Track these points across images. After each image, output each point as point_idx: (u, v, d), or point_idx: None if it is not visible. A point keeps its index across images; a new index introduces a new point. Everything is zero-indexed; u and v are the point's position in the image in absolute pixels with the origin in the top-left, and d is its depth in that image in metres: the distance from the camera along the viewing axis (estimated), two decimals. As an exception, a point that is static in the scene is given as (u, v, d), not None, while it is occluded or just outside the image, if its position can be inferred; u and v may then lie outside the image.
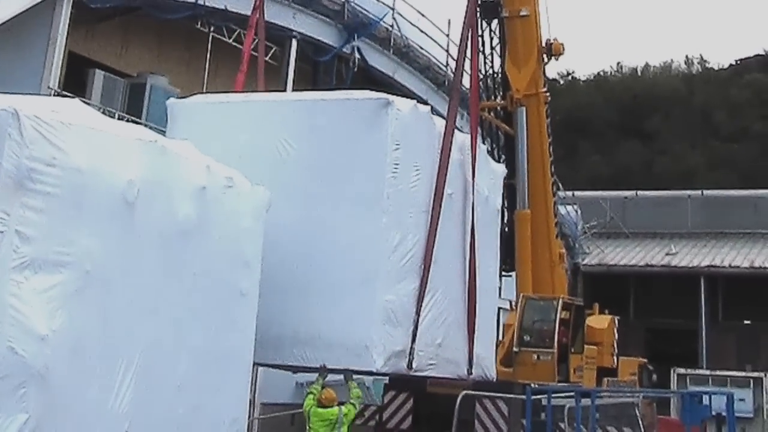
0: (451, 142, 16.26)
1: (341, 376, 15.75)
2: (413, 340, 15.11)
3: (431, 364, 15.66)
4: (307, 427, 15.52)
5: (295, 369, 16.69)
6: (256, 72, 20.61)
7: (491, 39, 28.35)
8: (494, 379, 17.99)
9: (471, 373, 16.91)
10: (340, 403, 15.56)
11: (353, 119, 15.55)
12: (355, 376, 15.82)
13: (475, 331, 16.78)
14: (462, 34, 18.00)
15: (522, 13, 25.61)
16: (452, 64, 35.80)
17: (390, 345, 14.84)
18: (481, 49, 30.94)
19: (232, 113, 16.66)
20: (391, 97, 15.72)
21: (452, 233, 16.32)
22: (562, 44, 26.38)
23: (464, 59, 17.94)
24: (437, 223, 15.72)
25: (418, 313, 15.29)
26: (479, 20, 30.20)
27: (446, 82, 35.16)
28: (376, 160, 15.24)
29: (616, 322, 27.42)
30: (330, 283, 15.04)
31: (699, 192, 52.98)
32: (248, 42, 19.25)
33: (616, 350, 26.75)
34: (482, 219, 17.30)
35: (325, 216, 15.32)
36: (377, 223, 15.04)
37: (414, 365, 15.18)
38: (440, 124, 16.52)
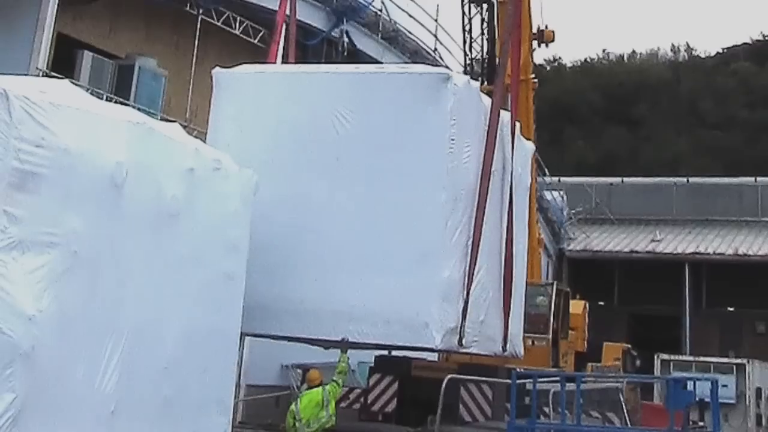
0: (498, 121, 16.27)
1: (333, 359, 15.78)
2: (464, 317, 15.09)
3: (475, 341, 15.68)
4: (296, 413, 15.54)
5: (328, 346, 16.69)
6: (247, 51, 20.55)
7: (481, 23, 28.44)
8: (521, 357, 18.13)
9: (505, 350, 17.02)
10: (323, 383, 15.66)
11: (412, 93, 15.39)
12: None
13: (511, 308, 16.92)
14: (508, 12, 17.86)
15: (515, -1, 25.64)
16: (441, 48, 35.95)
17: (446, 322, 14.83)
18: (470, 33, 31.11)
19: (284, 84, 16.50)
20: (449, 72, 15.66)
21: (493, 210, 16.31)
22: (553, 31, 26.47)
23: (509, 35, 17.76)
24: (486, 201, 15.70)
25: (468, 291, 15.25)
26: (469, 4, 30.35)
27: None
28: (436, 136, 15.13)
29: (587, 306, 27.63)
30: (387, 258, 14.97)
31: (684, 179, 53.16)
32: (281, 12, 19.13)
33: (586, 335, 26.97)
34: (516, 196, 17.39)
35: (382, 191, 15.22)
36: (437, 200, 14.98)
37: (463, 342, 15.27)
38: (486, 101, 16.45)
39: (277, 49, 18.49)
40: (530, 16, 26.25)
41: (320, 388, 15.53)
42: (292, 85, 16.43)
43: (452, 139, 15.13)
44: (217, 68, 17.08)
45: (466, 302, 15.15)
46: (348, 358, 15.88)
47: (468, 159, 15.53)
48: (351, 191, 15.37)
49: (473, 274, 15.34)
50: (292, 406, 15.58)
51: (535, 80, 26.87)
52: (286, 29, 19.27)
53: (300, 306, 15.08)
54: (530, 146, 19.28)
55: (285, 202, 15.47)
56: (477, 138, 15.81)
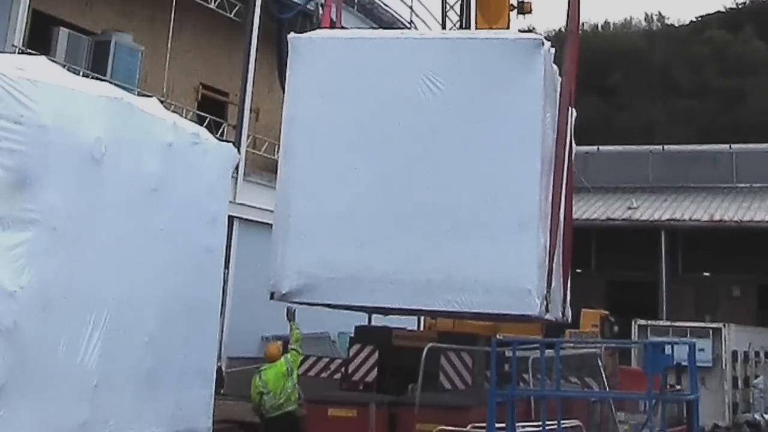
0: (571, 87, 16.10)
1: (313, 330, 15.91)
2: (549, 284, 15.03)
3: (550, 308, 15.57)
4: (262, 386, 15.68)
5: (386, 312, 16.86)
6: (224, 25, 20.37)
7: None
8: (569, 321, 18.17)
9: (564, 315, 17.11)
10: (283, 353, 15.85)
11: (504, 59, 15.25)
12: (314, 329, 15.98)
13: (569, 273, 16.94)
14: None
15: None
16: (416, 20, 35.88)
17: (542, 289, 14.81)
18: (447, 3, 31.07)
19: (367, 50, 16.23)
20: (542, 37, 15.58)
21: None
22: (530, 2, 26.45)
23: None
24: (562, 167, 15.54)
25: (551, 258, 15.14)
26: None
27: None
28: (530, 102, 15.05)
29: None
30: (483, 226, 14.80)
31: (659, 147, 53.21)
32: None
33: None
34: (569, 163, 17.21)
35: (475, 158, 15.03)
36: (534, 167, 14.89)
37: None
38: (554, 66, 16.09)
39: (329, 13, 18.32)
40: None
41: (282, 360, 15.69)
42: (376, 50, 16.16)
43: (543, 106, 15.13)
44: (293, 34, 16.71)
45: (551, 269, 15.10)
46: (297, 326, 16.05)
47: (549, 125, 15.46)
48: (443, 158, 15.14)
49: (556, 240, 15.29)
50: (257, 381, 15.69)
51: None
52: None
53: (394, 276, 14.94)
54: (574, 113, 19.22)
55: (374, 169, 15.34)
56: (552, 104, 15.68)
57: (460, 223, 14.95)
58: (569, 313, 17.78)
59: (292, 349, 15.84)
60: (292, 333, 15.92)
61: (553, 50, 15.81)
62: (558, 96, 15.87)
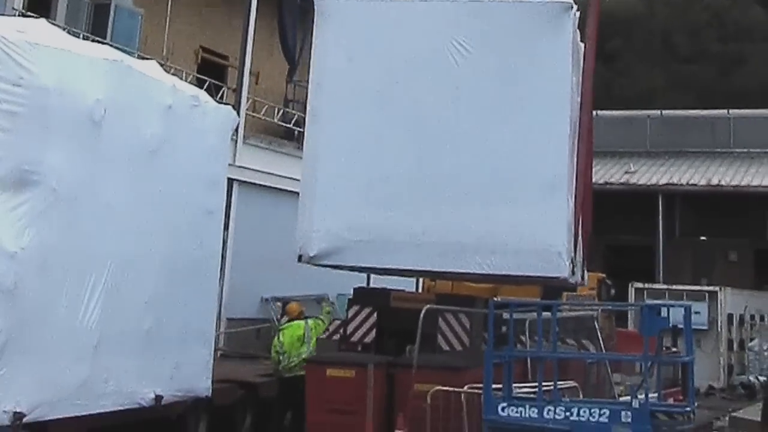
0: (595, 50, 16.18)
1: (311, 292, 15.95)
2: (575, 247, 15.19)
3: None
4: (278, 346, 15.78)
5: (414, 275, 17.14)
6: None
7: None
8: (585, 283, 18.25)
9: (582, 278, 17.17)
10: (306, 318, 15.90)
11: (533, 22, 15.27)
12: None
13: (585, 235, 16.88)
14: None
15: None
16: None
17: (570, 251, 14.93)
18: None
19: (395, 13, 16.16)
20: (570, 0, 15.48)
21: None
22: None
23: None
24: (588, 131, 15.70)
25: (576, 220, 15.24)
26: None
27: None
28: (559, 65, 15.09)
29: None
30: (512, 189, 14.89)
31: (658, 112, 53.25)
32: None
33: None
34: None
35: (505, 121, 15.06)
36: (563, 130, 14.96)
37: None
38: (576, 31, 16.10)
39: None
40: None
41: (301, 323, 15.77)
42: (404, 13, 16.11)
43: (571, 69, 15.16)
44: None
45: (576, 232, 15.21)
46: (332, 303, 16.11)
47: (575, 89, 15.53)
48: (472, 121, 15.16)
49: (579, 203, 15.33)
50: (276, 340, 15.79)
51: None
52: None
53: (422, 238, 14.98)
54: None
55: (403, 132, 15.34)
56: (577, 68, 15.76)
57: (488, 185, 15.01)
58: (586, 276, 17.87)
59: (319, 318, 15.88)
60: (325, 307, 15.96)
61: (578, 14, 15.85)
62: (582, 60, 15.90)
